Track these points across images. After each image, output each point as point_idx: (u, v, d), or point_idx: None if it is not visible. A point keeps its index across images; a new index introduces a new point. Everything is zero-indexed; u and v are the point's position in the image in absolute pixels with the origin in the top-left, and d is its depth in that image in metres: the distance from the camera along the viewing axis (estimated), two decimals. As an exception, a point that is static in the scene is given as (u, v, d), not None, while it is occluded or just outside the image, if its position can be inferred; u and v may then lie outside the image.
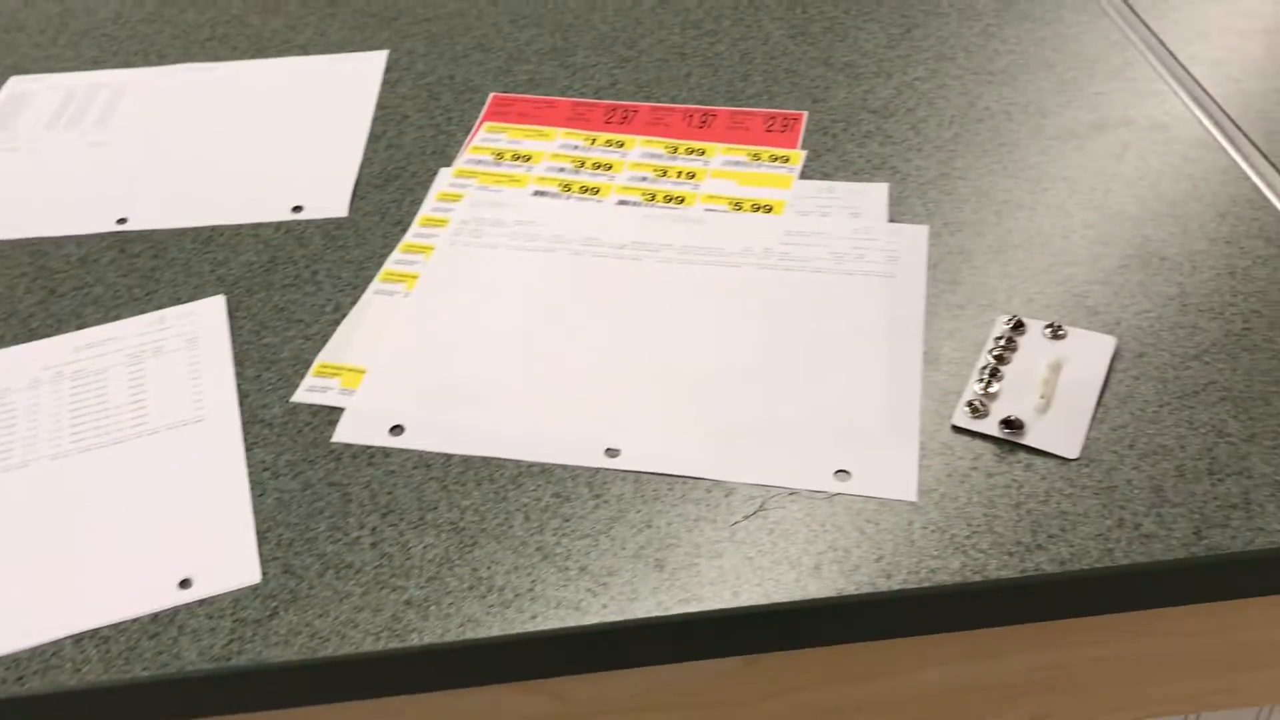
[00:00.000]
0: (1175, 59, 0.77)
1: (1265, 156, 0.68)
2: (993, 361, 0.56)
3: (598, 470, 0.53)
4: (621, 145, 0.73)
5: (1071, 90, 0.75)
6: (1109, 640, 0.53)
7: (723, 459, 0.53)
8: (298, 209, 0.69)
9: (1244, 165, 0.68)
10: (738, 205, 0.68)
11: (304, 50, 0.84)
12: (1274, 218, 0.64)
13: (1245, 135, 0.70)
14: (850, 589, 0.47)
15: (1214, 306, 0.59)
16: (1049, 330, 0.58)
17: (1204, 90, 0.73)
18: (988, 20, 0.82)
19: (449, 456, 0.54)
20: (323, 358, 0.59)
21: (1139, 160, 0.69)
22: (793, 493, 0.51)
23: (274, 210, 0.69)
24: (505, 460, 0.53)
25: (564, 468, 0.53)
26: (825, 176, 0.70)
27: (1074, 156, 0.69)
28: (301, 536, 0.51)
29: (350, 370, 0.58)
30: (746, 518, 0.51)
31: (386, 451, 0.54)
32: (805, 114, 0.75)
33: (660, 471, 0.53)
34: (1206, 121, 0.71)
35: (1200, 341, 0.57)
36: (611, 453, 0.53)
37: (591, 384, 0.57)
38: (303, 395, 0.57)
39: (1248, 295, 0.59)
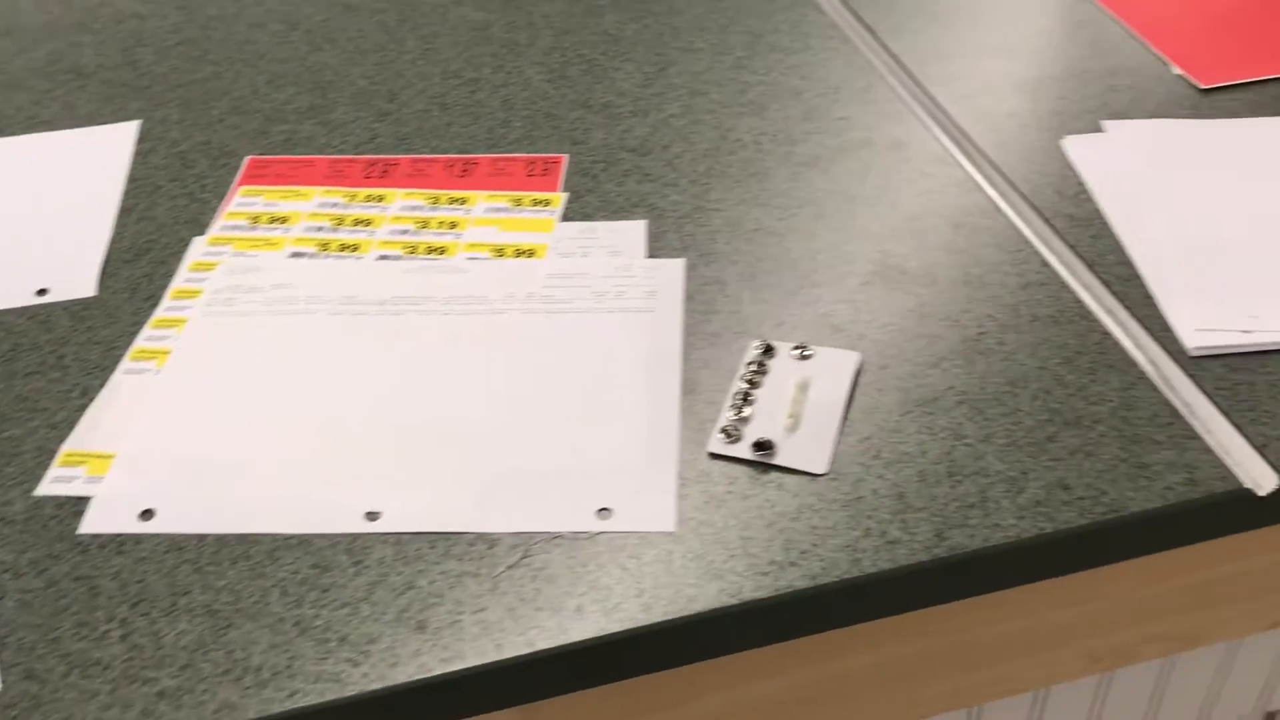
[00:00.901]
0: (913, 79, 0.80)
1: (996, 168, 0.72)
2: (745, 387, 0.58)
3: (358, 536, 0.52)
4: (381, 199, 0.72)
5: (818, 116, 0.78)
6: (883, 644, 0.55)
7: (485, 510, 0.53)
8: (42, 291, 0.67)
9: (978, 177, 0.71)
10: (500, 252, 0.68)
11: (50, 126, 0.81)
12: (1005, 226, 0.68)
13: (978, 149, 0.74)
14: (611, 627, 0.48)
15: (951, 315, 0.62)
16: (796, 351, 0.60)
17: (940, 108, 0.77)
18: (738, 54, 0.85)
19: (203, 537, 0.52)
20: (68, 446, 0.57)
21: (880, 179, 0.72)
22: (556, 536, 0.52)
23: (16, 295, 0.67)
24: (262, 535, 0.52)
25: (323, 536, 0.52)
26: (586, 217, 0.71)
27: (820, 180, 0.72)
28: (45, 638, 0.48)
29: (97, 456, 0.56)
30: (510, 567, 0.51)
31: (137, 538, 0.52)
32: (566, 157, 0.76)
33: (423, 530, 0.52)
34: (943, 138, 0.75)
35: (939, 350, 0.60)
36: (372, 516, 0.53)
37: (351, 447, 0.56)
38: (47, 487, 0.55)
39: (982, 301, 0.63)
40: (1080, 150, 0.72)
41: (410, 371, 0.60)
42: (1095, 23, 0.85)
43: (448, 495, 0.53)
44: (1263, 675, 0.69)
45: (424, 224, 0.70)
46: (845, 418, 0.57)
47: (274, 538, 0.52)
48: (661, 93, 0.81)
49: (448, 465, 0.55)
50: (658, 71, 0.84)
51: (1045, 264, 0.65)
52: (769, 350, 0.60)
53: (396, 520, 0.53)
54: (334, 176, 0.75)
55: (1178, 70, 0.79)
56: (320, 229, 0.70)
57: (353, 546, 0.52)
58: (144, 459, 0.56)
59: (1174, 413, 0.56)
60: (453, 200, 0.72)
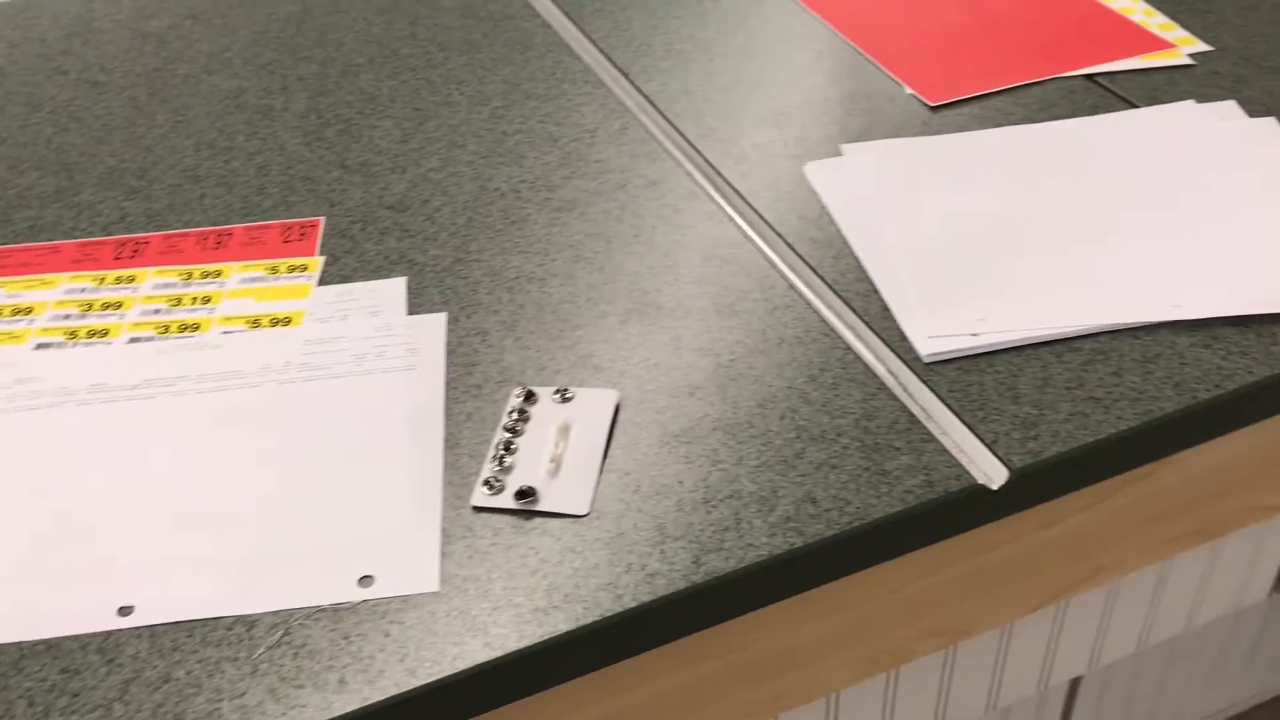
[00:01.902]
0: (666, 119, 0.83)
1: (743, 199, 0.75)
2: (507, 436, 0.58)
3: (110, 633, 0.50)
4: (132, 280, 0.70)
5: (574, 161, 0.79)
6: (660, 675, 0.56)
7: (243, 592, 0.52)
8: None
9: (727, 209, 0.74)
10: (256, 323, 0.67)
11: None
12: (753, 254, 0.70)
13: (726, 182, 0.76)
14: (375, 696, 0.47)
15: (704, 345, 0.64)
16: (557, 395, 0.61)
17: (690, 145, 0.80)
18: (495, 104, 0.86)
19: (-59, 654, 0.50)
20: None
21: (635, 219, 0.74)
22: (317, 610, 0.51)
23: None
24: (4, 645, 0.50)
25: (73, 638, 0.50)
26: (345, 279, 0.70)
27: (578, 224, 0.73)
28: None
29: None
30: (269, 648, 0.50)
31: None
32: (323, 219, 0.75)
33: (179, 620, 0.51)
34: (695, 174, 0.77)
35: (694, 379, 0.62)
36: (125, 611, 0.51)
37: (101, 542, 0.54)
38: None
39: (733, 329, 0.65)
40: (820, 175, 0.75)
41: (164, 456, 0.58)
42: (834, 51, 0.89)
43: (204, 581, 0.52)
44: (1040, 653, 0.73)
45: (176, 301, 0.69)
46: (606, 456, 0.58)
47: (18, 646, 0.50)
48: (420, 147, 0.82)
49: (203, 550, 0.53)
50: (415, 126, 0.84)
51: (791, 287, 0.67)
52: (530, 396, 0.61)
53: (151, 612, 0.51)
54: (82, 260, 0.72)
55: (910, 90, 0.83)
56: (68, 316, 0.68)
57: (105, 645, 0.50)
58: (-128, 579, 0.53)
59: (912, 419, 0.59)
60: (206, 274, 0.71)
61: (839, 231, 0.71)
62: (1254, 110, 0.79)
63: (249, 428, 0.60)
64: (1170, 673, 1.02)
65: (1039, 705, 0.90)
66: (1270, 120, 0.77)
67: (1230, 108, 0.79)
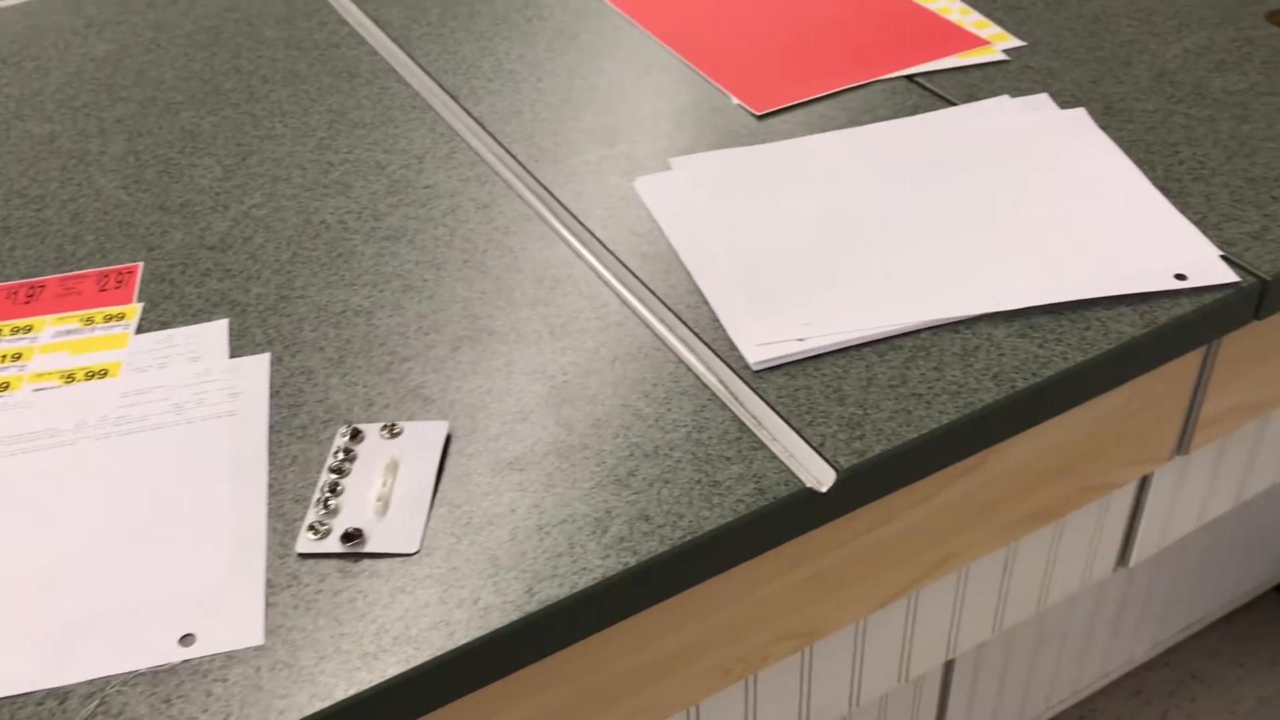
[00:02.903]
0: (496, 140, 0.82)
1: (574, 218, 0.74)
2: (333, 477, 0.57)
3: (-91, 719, 0.48)
4: (-65, 342, 0.67)
5: (403, 188, 0.78)
6: (504, 708, 0.55)
7: (54, 664, 0.49)
8: None
9: (560, 229, 0.74)
10: (70, 377, 0.64)
11: None
12: (585, 273, 0.70)
13: (558, 201, 0.76)
14: (195, 760, 0.46)
15: (536, 368, 0.63)
16: (385, 431, 0.59)
17: (521, 166, 0.79)
18: (321, 135, 0.84)
19: None
20: None
21: (466, 243, 0.73)
22: (135, 675, 0.49)
23: None
24: None
25: None
26: (164, 325, 0.68)
27: (407, 252, 0.72)
28: None
29: None
30: None
31: None
32: (141, 265, 0.73)
33: (-14, 697, 0.48)
34: (526, 194, 0.77)
35: (526, 404, 0.61)
36: (-74, 694, 0.48)
37: (-103, 623, 0.51)
38: None
39: (566, 350, 0.64)
40: (649, 190, 0.75)
41: (-34, 526, 0.55)
42: (663, 65, 0.89)
43: (14, 653, 0.50)
44: (896, 646, 0.74)
45: (-16, 361, 0.65)
46: (436, 490, 0.57)
47: None
48: (242, 184, 0.79)
49: (13, 620, 0.51)
50: (238, 162, 0.82)
51: (624, 304, 0.67)
52: (357, 434, 0.59)
53: (-46, 694, 0.48)
54: (-121, 324, 0.69)
55: (736, 101, 0.84)
56: None
57: (-98, 734, 0.47)
58: None
59: (742, 427, 0.59)
60: (16, 330, 0.68)
61: (669, 245, 0.71)
62: (1065, 102, 0.81)
63: (63, 488, 0.57)
64: (1039, 654, 1.05)
65: (916, 695, 0.92)
66: (1080, 111, 0.80)
67: (1042, 100, 0.81)
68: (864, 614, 0.66)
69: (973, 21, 0.91)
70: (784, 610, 0.62)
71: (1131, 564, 0.84)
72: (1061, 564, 0.79)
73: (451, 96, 0.88)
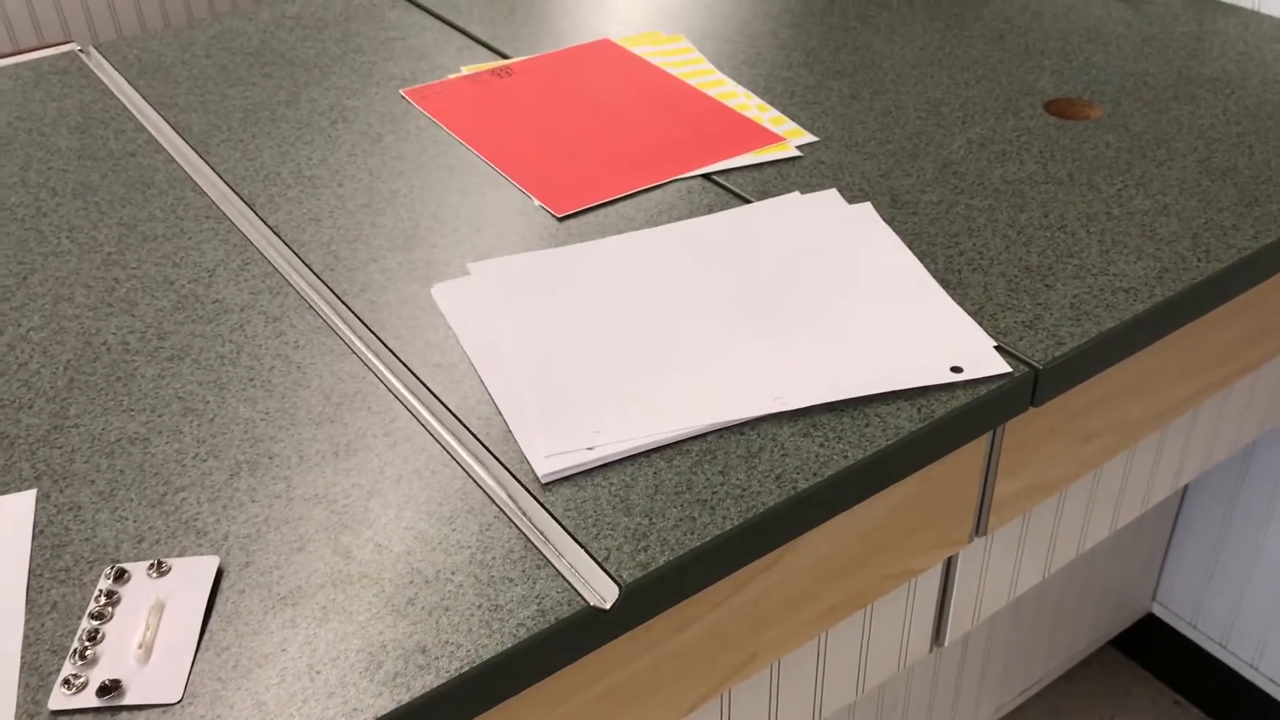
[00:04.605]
0: (291, 249, 0.81)
1: (367, 328, 0.73)
2: (93, 624, 0.54)
3: None
4: None
5: (191, 304, 0.76)
6: None
7: None
8: None
9: (352, 340, 0.72)
10: None
11: None
12: (376, 387, 0.68)
13: (351, 310, 0.74)
14: None
15: (318, 492, 0.61)
16: (152, 570, 0.57)
17: (316, 275, 0.78)
18: (108, 250, 0.81)
19: None
20: None
21: (252, 360, 0.71)
22: None
23: None
24: None
25: None
26: (-76, 464, 0.64)
27: (190, 372, 0.70)
28: None
29: None
30: None
31: None
32: (-98, 398, 0.68)
33: None
34: (320, 304, 0.75)
35: (304, 532, 0.59)
36: None
37: None
38: None
39: (350, 471, 0.63)
40: (446, 296, 0.75)
41: None
42: (466, 166, 0.89)
43: None
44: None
45: None
46: (204, 631, 0.54)
47: None
48: (21, 305, 0.76)
49: None
50: (19, 282, 0.78)
51: (416, 417, 0.66)
52: (122, 575, 0.56)
53: None
54: None
55: (537, 203, 0.84)
56: None
57: None
58: None
59: (528, 544, 0.58)
60: None
61: (464, 353, 0.70)
62: (853, 196, 0.84)
63: None
64: (872, 731, 1.05)
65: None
66: (866, 205, 0.82)
67: (831, 196, 0.83)
68: (675, 719, 0.65)
69: (769, 118, 0.94)
70: (583, 727, 0.61)
71: (946, 643, 0.85)
72: (875, 649, 0.80)
73: (248, 205, 0.86)
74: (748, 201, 0.84)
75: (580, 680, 0.59)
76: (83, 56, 1.09)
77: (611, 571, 0.56)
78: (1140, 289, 0.73)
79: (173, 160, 0.92)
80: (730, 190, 0.85)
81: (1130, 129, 0.91)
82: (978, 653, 1.29)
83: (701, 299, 0.73)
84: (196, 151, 0.93)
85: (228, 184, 0.88)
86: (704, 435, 0.64)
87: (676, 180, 0.87)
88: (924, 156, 0.88)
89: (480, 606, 0.55)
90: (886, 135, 0.91)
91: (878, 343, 0.69)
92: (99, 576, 0.57)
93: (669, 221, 0.82)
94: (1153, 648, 1.53)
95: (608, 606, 0.55)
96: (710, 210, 0.83)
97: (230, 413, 0.67)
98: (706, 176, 0.87)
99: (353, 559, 0.57)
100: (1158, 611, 1.51)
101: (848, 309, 0.72)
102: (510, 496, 0.61)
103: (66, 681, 0.51)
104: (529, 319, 0.72)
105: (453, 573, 0.57)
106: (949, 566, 0.81)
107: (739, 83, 0.99)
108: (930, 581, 0.80)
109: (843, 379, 0.66)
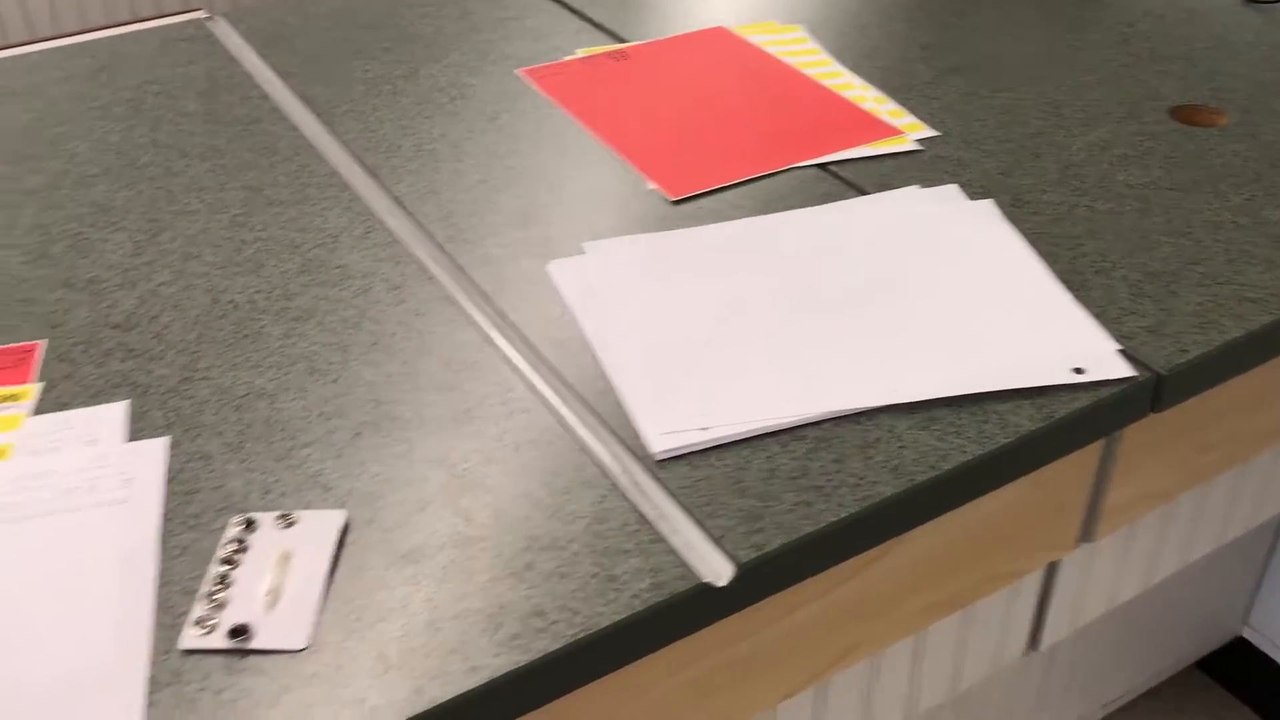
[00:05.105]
0: (414, 220, 0.82)
1: (488, 301, 0.74)
2: (223, 569, 0.56)
3: None
4: None
5: (315, 268, 0.77)
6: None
7: (-84, 767, 0.47)
8: None
9: (472, 312, 0.73)
10: (-42, 462, 0.62)
11: None
12: (496, 357, 0.69)
13: (472, 283, 0.76)
14: None
15: (437, 456, 0.63)
16: (279, 520, 0.58)
17: (438, 247, 0.79)
18: (235, 211, 0.83)
19: None
20: None
21: (375, 325, 0.72)
22: (0, 780, 0.47)
23: None
24: None
25: None
26: (63, 406, 0.66)
27: (315, 334, 0.72)
28: None
29: None
30: (-57, 828, 0.45)
31: None
32: (42, 344, 0.71)
33: None
34: (440, 276, 0.77)
35: (425, 493, 0.60)
36: None
37: None
38: None
39: (469, 436, 0.64)
40: (562, 274, 0.76)
41: None
42: (582, 148, 0.90)
43: None
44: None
45: None
46: (330, 582, 0.55)
47: None
48: (152, 260, 0.79)
49: None
50: (150, 238, 0.81)
51: (532, 389, 0.67)
52: (250, 524, 0.58)
53: None
54: None
55: (652, 186, 0.85)
56: None
57: None
58: None
59: (642, 519, 0.58)
60: (-96, 410, 0.66)
61: (580, 330, 0.71)
62: (974, 193, 0.83)
63: (-63, 580, 0.55)
64: (954, 733, 1.05)
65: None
66: (989, 202, 0.81)
67: (952, 191, 0.83)
68: (771, 704, 0.66)
69: (887, 111, 0.93)
70: (689, 703, 0.61)
71: (1042, 647, 0.84)
72: (972, 648, 0.79)
73: (371, 175, 0.88)
74: (864, 193, 0.83)
75: (685, 657, 0.59)
76: (208, 24, 1.12)
77: (727, 550, 0.57)
78: (1269, 299, 0.72)
79: (295, 128, 0.94)
80: (846, 181, 0.85)
81: (1260, 137, 0.89)
82: (1062, 661, 1.28)
83: (817, 287, 0.73)
84: (319, 120, 0.95)
85: (350, 153, 0.90)
86: (819, 422, 0.64)
87: (792, 169, 0.87)
88: (1045, 157, 0.87)
89: (596, 576, 0.56)
90: (1006, 134, 0.90)
91: (997, 340, 0.68)
92: (227, 524, 0.59)
93: (783, 209, 0.82)
94: (1241, 672, 1.50)
95: (722, 584, 0.55)
96: (825, 200, 0.83)
97: (353, 374, 0.68)
98: (822, 166, 0.87)
99: (472, 521, 0.59)
100: (1249, 635, 1.48)
101: (967, 305, 0.71)
102: (625, 470, 0.61)
103: (198, 622, 0.53)
104: (644, 299, 0.73)
105: (569, 541, 0.57)
106: (1051, 571, 0.80)
107: (855, 74, 0.99)
108: (1031, 584, 0.79)
109: (961, 374, 0.66)
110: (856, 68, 1.00)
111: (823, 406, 0.64)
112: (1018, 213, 0.81)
